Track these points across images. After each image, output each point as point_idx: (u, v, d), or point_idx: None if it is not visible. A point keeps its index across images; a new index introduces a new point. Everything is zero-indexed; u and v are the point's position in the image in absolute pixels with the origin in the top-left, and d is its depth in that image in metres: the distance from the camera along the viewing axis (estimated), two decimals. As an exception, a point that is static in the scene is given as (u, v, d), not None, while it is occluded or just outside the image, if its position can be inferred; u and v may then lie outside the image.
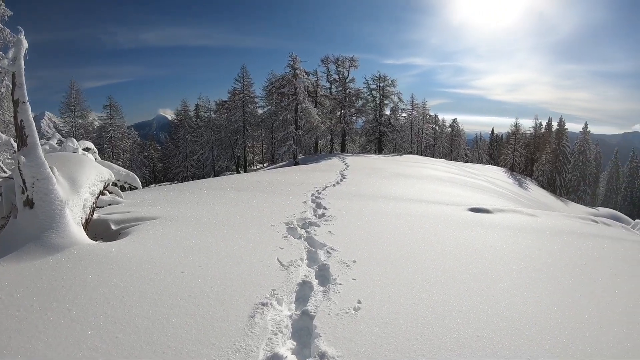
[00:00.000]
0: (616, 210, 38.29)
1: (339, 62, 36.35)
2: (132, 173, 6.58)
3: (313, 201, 7.12)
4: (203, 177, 35.81)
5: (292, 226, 5.07)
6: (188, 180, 26.21)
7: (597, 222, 9.41)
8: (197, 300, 2.83)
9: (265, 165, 40.10)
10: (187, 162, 39.22)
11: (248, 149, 39.84)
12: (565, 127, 42.70)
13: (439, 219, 6.36)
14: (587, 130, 43.72)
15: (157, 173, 43.36)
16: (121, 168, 6.39)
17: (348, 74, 36.68)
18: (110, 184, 5.65)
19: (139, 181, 6.77)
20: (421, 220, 6.13)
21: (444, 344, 2.51)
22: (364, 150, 38.35)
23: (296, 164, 25.22)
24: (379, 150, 36.73)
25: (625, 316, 3.14)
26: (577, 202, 38.14)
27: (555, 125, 43.69)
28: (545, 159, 41.59)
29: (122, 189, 6.77)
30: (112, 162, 10.32)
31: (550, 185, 40.92)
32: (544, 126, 45.28)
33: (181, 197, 6.74)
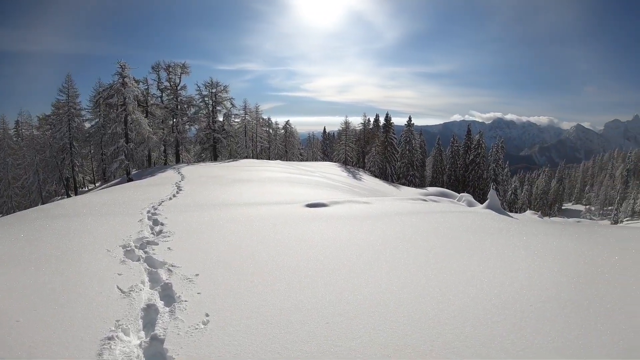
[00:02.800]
0: (444, 187, 43.03)
1: (170, 69, 34.74)
2: None
3: (149, 218, 6.82)
4: (30, 207, 29.17)
5: (129, 248, 4.81)
6: (15, 212, 22.73)
7: (426, 200, 10.50)
8: (37, 349, 2.54)
9: (97, 185, 36.99)
10: (10, 191, 33.19)
11: (77, 169, 35.35)
12: (391, 121, 46.41)
13: (278, 218, 6.50)
14: (411, 122, 48.08)
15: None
16: None
17: (180, 81, 35.30)
18: None
19: None
20: (260, 222, 6.21)
21: (297, 339, 2.64)
22: (199, 159, 37.45)
23: (130, 180, 23.73)
24: (215, 157, 36.26)
25: (461, 275, 3.68)
26: (409, 186, 41.87)
27: (382, 120, 47.26)
28: (375, 150, 44.55)
29: None
30: None
31: (382, 174, 44.03)
32: (372, 122, 48.77)
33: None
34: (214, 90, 36.82)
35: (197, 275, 3.85)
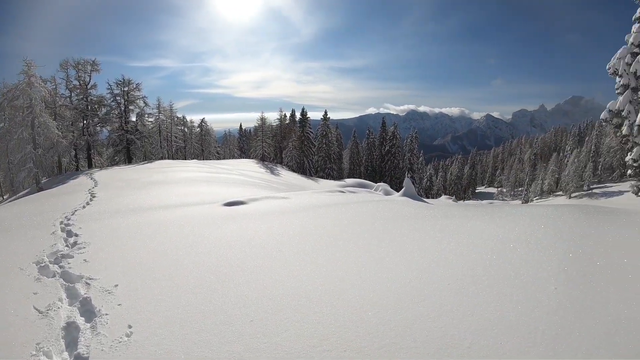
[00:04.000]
0: (361, 178, 44.28)
1: (80, 67, 32.28)
2: None
3: (63, 230, 6.50)
4: None
5: (43, 264, 4.58)
6: None
7: (344, 191, 10.70)
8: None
9: (5, 197, 33.30)
10: None
11: (-21, 182, 31.88)
12: (307, 116, 46.79)
13: (197, 220, 6.47)
14: (327, 116, 48.82)
15: None
16: None
17: (90, 79, 32.87)
18: None
19: None
20: (179, 225, 6.16)
21: (223, 340, 2.68)
22: (112, 162, 35.24)
23: (40, 189, 21.94)
24: (129, 160, 34.66)
25: (380, 262, 3.83)
26: (327, 179, 42.79)
27: (298, 115, 47.61)
28: (292, 145, 44.90)
29: None
30: None
31: (300, 168, 44.48)
32: (288, 117, 49.13)
33: None
34: (125, 89, 35.11)
35: (116, 286, 3.76)
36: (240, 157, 53.86)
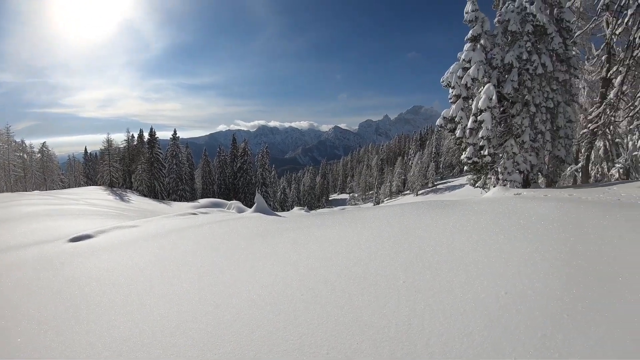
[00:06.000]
0: (215, 197, 44.63)
1: None
2: None
3: None
4: None
5: None
6: None
7: (196, 213, 10.52)
8: None
9: None
10: None
11: None
12: (156, 136, 45.26)
13: (39, 262, 5.69)
14: (177, 136, 48.27)
15: None
16: None
17: None
18: None
19: None
20: (18, 270, 5.34)
21: None
22: None
23: None
24: None
25: (235, 282, 3.68)
26: (180, 201, 42.13)
27: (147, 135, 45.76)
28: (141, 168, 43.24)
29: None
30: None
31: (152, 192, 43.11)
32: (136, 138, 47.00)
33: None
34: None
35: None
36: (87, 184, 50.37)
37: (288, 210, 46.18)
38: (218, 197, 47.15)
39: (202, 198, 44.40)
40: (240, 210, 13.52)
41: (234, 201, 16.95)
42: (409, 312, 2.79)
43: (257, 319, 3.02)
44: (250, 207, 13.27)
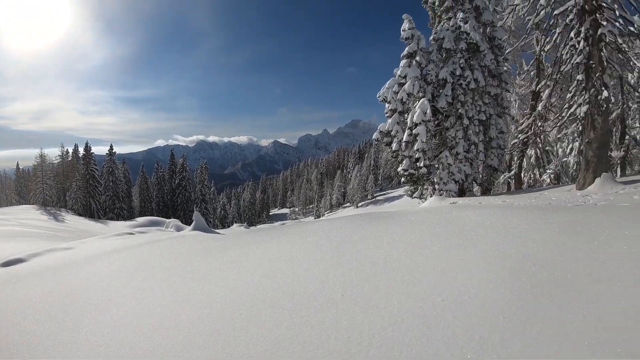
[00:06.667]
0: (154, 215, 43.51)
1: None
2: None
3: None
4: None
5: None
6: None
7: (133, 233, 10.23)
8: None
9: None
10: None
11: None
12: (92, 151, 43.88)
13: None
14: (113, 151, 46.50)
15: None
16: None
17: None
18: None
19: None
20: None
21: None
22: None
23: None
24: None
25: (174, 304, 3.61)
26: (117, 219, 40.77)
27: (82, 151, 44.30)
28: (76, 186, 41.71)
29: None
30: None
31: (87, 211, 41.62)
32: (71, 153, 45.20)
33: None
34: None
35: None
36: (19, 202, 47.38)
37: (228, 227, 45.54)
38: (156, 215, 46.05)
39: (140, 216, 42.71)
40: (179, 229, 13.31)
41: (173, 219, 16.71)
42: (348, 326, 2.80)
43: (196, 341, 2.95)
44: (189, 224, 12.77)
